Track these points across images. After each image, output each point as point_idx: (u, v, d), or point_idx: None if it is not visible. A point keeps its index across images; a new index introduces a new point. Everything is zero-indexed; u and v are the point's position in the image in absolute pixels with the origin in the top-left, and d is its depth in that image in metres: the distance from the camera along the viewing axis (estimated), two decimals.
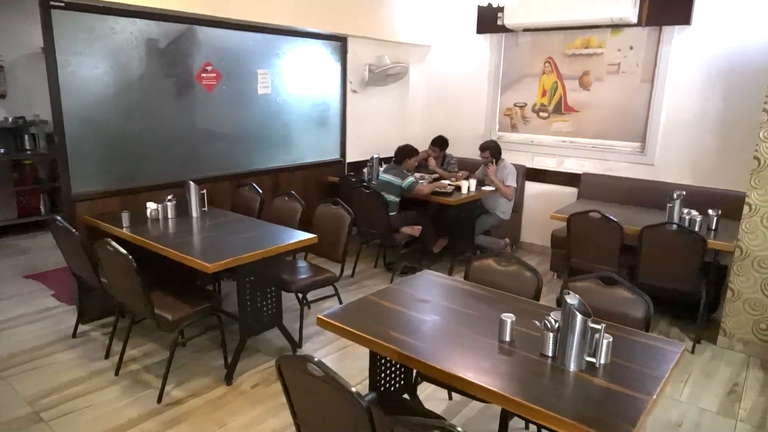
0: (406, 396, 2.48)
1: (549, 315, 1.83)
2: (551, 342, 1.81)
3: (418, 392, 2.55)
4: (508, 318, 1.92)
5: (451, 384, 1.77)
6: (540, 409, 1.53)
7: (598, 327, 1.72)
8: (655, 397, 1.60)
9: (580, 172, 5.16)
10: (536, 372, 1.75)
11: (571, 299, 1.73)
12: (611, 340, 1.76)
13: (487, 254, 2.68)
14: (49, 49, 3.27)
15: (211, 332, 3.37)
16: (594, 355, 1.75)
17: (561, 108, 5.28)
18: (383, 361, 2.33)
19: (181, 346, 3.30)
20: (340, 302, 3.68)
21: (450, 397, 2.89)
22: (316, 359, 1.51)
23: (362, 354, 3.23)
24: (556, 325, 1.79)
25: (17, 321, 3.66)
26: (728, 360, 3.43)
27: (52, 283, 4.33)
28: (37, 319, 3.70)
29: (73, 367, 3.09)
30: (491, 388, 1.62)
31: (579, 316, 1.70)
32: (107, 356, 3.20)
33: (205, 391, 2.89)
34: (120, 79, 3.65)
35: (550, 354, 1.81)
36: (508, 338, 1.93)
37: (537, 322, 1.86)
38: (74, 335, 3.45)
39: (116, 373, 3.01)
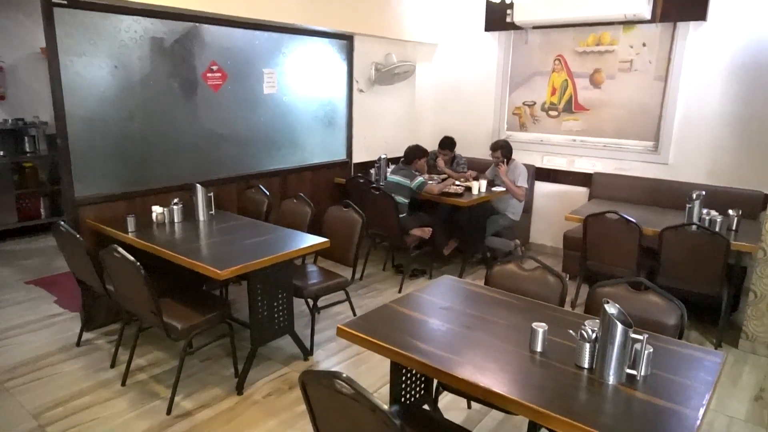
0: (426, 407, 2.38)
1: (585, 324, 1.74)
2: (588, 353, 1.71)
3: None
4: (541, 328, 1.82)
5: (483, 398, 1.67)
6: (583, 427, 1.43)
7: (640, 338, 1.62)
8: (703, 411, 1.51)
9: (591, 172, 5.07)
10: (573, 385, 1.66)
11: (611, 308, 1.64)
12: (652, 351, 1.66)
13: (509, 258, 2.58)
14: (51, 49, 3.17)
15: (220, 340, 3.26)
16: (634, 367, 1.65)
17: (571, 106, 5.19)
18: (404, 371, 2.23)
19: (189, 354, 3.20)
20: (352, 307, 3.59)
21: (469, 406, 2.79)
22: (344, 375, 1.42)
23: (377, 361, 3.14)
24: (594, 335, 1.70)
25: (20, 329, 3.56)
26: (752, 364, 3.34)
27: (55, 289, 4.23)
28: (40, 327, 3.60)
29: (78, 377, 2.99)
30: (529, 403, 1.53)
31: (620, 327, 1.60)
32: (113, 365, 3.10)
33: (215, 401, 2.79)
34: (124, 79, 3.55)
35: (586, 366, 1.72)
36: (540, 348, 1.83)
37: (572, 332, 1.77)
38: (78, 344, 3.35)
39: (123, 384, 2.91)
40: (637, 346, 1.65)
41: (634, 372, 1.64)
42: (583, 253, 3.91)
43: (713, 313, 3.66)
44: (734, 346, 3.54)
